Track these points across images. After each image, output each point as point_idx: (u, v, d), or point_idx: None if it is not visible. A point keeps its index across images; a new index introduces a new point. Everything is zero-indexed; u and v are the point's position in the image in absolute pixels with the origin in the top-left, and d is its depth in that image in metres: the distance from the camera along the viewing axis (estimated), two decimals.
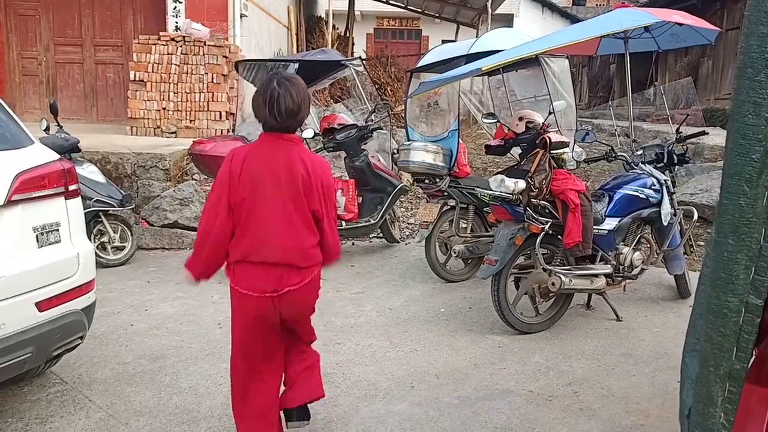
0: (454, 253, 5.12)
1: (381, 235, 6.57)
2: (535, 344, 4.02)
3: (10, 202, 2.74)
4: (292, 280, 2.39)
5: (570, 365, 3.72)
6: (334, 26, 14.69)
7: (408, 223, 7.20)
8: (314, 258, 2.46)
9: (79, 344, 3.19)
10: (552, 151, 4.13)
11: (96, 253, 4.75)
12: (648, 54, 12.35)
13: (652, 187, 4.46)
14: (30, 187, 2.83)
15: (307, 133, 5.56)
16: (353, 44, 15.69)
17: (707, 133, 5.32)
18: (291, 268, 2.38)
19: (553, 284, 4.03)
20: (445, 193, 5.20)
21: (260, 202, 2.37)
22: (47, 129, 5.66)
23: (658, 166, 4.66)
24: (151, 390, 3.36)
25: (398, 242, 6.61)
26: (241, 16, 9.69)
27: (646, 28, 4.74)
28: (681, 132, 4.84)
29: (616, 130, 5.76)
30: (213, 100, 8.71)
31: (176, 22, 9.25)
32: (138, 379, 3.48)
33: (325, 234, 2.48)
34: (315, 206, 2.41)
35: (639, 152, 4.78)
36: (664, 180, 4.52)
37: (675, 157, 4.75)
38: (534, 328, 4.21)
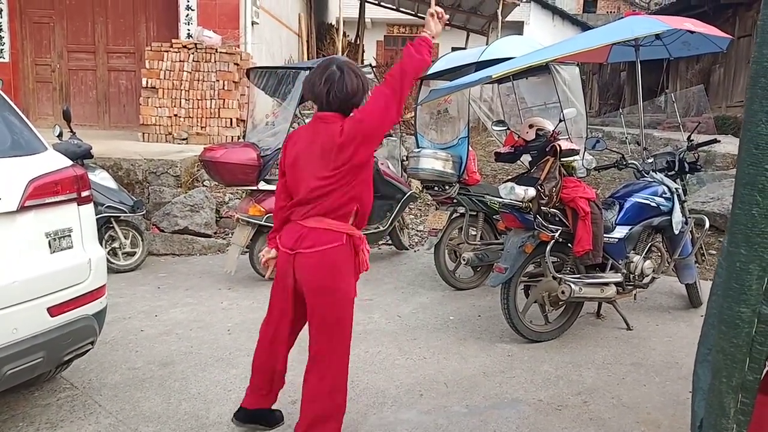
0: (464, 260, 5.11)
1: (390, 242, 6.57)
2: (544, 353, 4.00)
3: (23, 208, 2.76)
4: (305, 242, 2.55)
5: (580, 374, 3.69)
6: (344, 33, 14.75)
7: (417, 231, 7.20)
8: (334, 224, 2.55)
9: (89, 349, 3.21)
10: (562, 159, 4.12)
11: (107, 258, 4.78)
12: (659, 61, 12.30)
13: (663, 195, 4.43)
14: (43, 193, 2.86)
15: None
16: (364, 51, 15.75)
17: (719, 141, 5.29)
18: (307, 231, 2.55)
19: (563, 293, 4.01)
20: (455, 201, 5.19)
21: (299, 172, 2.60)
22: (60, 135, 5.73)
23: (669, 174, 4.64)
24: (160, 395, 3.37)
25: (407, 249, 6.61)
26: (252, 24, 9.77)
27: (658, 36, 4.73)
28: (692, 140, 4.80)
29: (626, 137, 5.74)
30: (224, 107, 8.77)
31: (188, 30, 9.34)
32: (148, 385, 3.49)
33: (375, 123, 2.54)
34: (340, 158, 2.49)
35: (650, 160, 4.75)
36: (676, 188, 4.49)
37: (686, 165, 4.71)
38: (543, 337, 4.18)
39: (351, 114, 2.58)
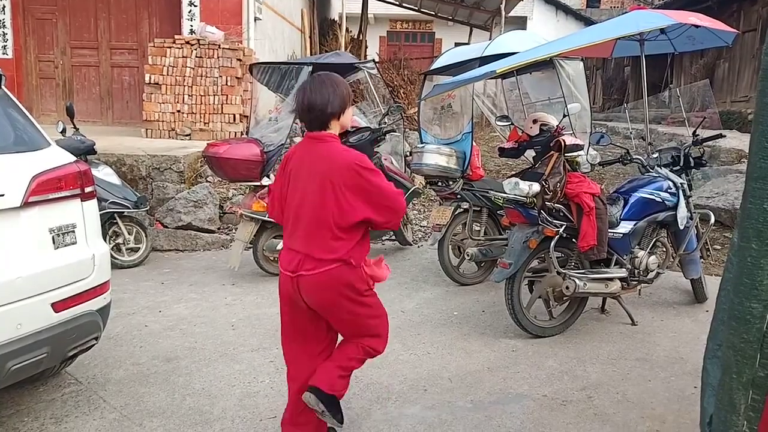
0: (468, 256, 5.09)
1: (394, 237, 6.56)
2: (549, 348, 3.99)
3: (27, 204, 2.76)
4: (306, 265, 2.49)
5: (584, 369, 3.68)
6: (347, 29, 14.71)
7: (421, 226, 7.18)
8: (335, 252, 2.47)
9: (94, 345, 3.21)
10: (566, 154, 4.10)
11: (111, 254, 4.79)
12: (663, 56, 12.22)
13: (668, 191, 4.41)
14: (47, 188, 2.86)
15: None
16: (366, 47, 15.71)
17: (724, 136, 5.26)
18: (308, 257, 2.49)
19: (567, 288, 4.00)
20: (459, 196, 5.17)
21: (291, 197, 2.56)
22: (64, 131, 5.72)
23: (674, 169, 4.61)
24: (164, 391, 3.37)
25: (411, 245, 6.60)
26: (255, 20, 9.74)
27: (662, 30, 4.69)
28: (697, 135, 4.78)
29: (631, 133, 5.71)
30: (227, 103, 8.76)
31: (191, 26, 9.32)
32: (152, 380, 3.50)
33: (380, 207, 2.49)
34: (340, 201, 2.45)
35: (655, 155, 4.73)
36: (681, 183, 4.47)
37: (691, 160, 4.69)
38: (548, 332, 4.18)
39: (332, 127, 2.56)
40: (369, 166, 2.50)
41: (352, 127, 5.96)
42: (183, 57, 8.71)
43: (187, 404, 3.22)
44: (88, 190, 3.11)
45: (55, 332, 2.81)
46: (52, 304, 2.80)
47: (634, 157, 4.74)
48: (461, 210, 5.30)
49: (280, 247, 5.20)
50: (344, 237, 2.48)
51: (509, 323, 4.20)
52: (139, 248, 5.97)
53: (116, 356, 3.81)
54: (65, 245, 2.94)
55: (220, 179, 6.90)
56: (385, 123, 6.01)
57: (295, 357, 2.71)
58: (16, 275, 2.66)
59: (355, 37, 15.53)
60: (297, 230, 2.53)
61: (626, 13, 4.69)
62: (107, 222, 5.64)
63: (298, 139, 5.04)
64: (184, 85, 8.73)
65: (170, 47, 8.74)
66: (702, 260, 4.89)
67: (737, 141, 8.53)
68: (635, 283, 4.37)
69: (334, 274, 2.48)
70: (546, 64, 5.27)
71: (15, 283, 2.64)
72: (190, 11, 9.34)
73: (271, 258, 5.41)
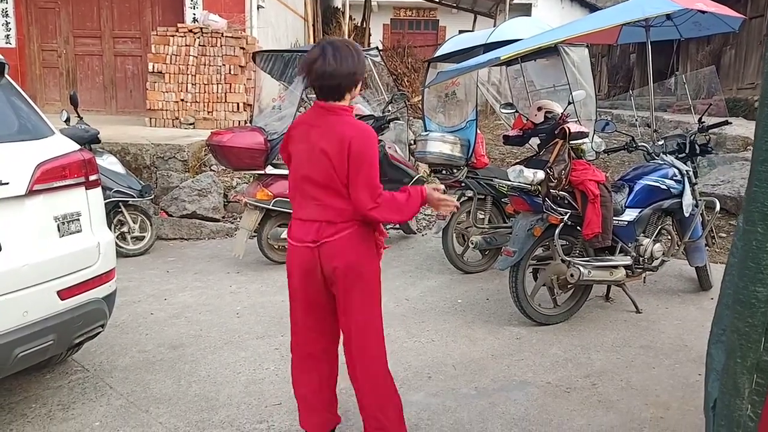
0: (472, 244, 5.09)
1: (398, 226, 6.56)
2: (553, 336, 3.99)
3: (31, 192, 2.77)
4: (327, 232, 2.45)
5: (588, 357, 3.69)
6: (350, 17, 14.64)
7: (425, 215, 7.18)
8: (348, 214, 2.45)
9: (100, 332, 3.23)
10: (571, 142, 4.08)
11: (116, 243, 4.80)
12: (669, 43, 12.15)
13: (674, 178, 4.40)
14: (51, 177, 2.86)
15: None
16: (370, 35, 15.65)
17: (730, 123, 5.22)
18: (327, 223, 2.45)
19: (571, 275, 4.00)
20: (463, 184, 5.17)
21: (299, 166, 2.50)
22: (68, 120, 5.73)
23: (679, 156, 4.59)
24: (170, 378, 3.39)
25: (415, 233, 6.60)
26: (258, 8, 9.71)
27: (668, 16, 4.66)
28: (703, 122, 4.75)
29: (636, 120, 5.68)
30: (230, 92, 8.75)
31: (194, 14, 9.30)
32: (158, 367, 3.52)
33: (353, 200, 2.42)
34: (342, 172, 2.39)
35: (660, 142, 4.70)
36: (686, 170, 4.45)
37: (697, 147, 4.67)
38: (552, 320, 4.18)
39: (347, 98, 2.46)
40: (372, 153, 2.43)
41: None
42: (186, 45, 8.69)
43: (193, 391, 3.25)
44: (92, 178, 3.12)
45: (61, 320, 2.82)
46: (58, 292, 2.81)
47: (639, 144, 4.72)
48: (465, 198, 5.29)
49: (284, 235, 5.20)
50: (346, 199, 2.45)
51: (513, 311, 4.20)
52: (144, 237, 5.99)
53: (122, 343, 3.83)
54: (70, 233, 2.95)
55: (224, 168, 6.90)
56: (389, 111, 5.99)
57: (305, 328, 2.62)
58: (22, 263, 2.67)
59: (359, 24, 15.46)
60: (309, 200, 2.48)
61: None
62: (112, 211, 5.66)
63: None
64: (188, 74, 8.72)
65: (173, 36, 8.72)
66: (707, 248, 4.88)
67: (743, 128, 8.48)
68: (640, 270, 4.36)
69: (354, 236, 2.46)
70: (551, 51, 5.24)
71: (21, 271, 2.66)
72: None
73: (276, 246, 5.42)
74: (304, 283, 2.55)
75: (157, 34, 8.80)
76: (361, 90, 2.68)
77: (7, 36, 9.84)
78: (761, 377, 1.37)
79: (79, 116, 5.84)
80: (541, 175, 3.92)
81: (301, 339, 2.65)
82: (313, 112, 2.51)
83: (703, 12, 4.39)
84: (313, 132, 2.46)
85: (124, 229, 5.87)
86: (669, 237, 4.69)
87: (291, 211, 2.62)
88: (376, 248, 2.59)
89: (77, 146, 3.15)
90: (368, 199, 2.39)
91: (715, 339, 1.57)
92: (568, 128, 4.06)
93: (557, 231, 3.98)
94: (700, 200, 4.61)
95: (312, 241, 2.46)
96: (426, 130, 5.46)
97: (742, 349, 1.37)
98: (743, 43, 11.75)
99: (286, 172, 3.03)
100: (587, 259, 4.15)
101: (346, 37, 13.22)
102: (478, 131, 5.24)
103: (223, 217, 6.94)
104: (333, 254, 2.46)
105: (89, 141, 5.54)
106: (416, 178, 6.02)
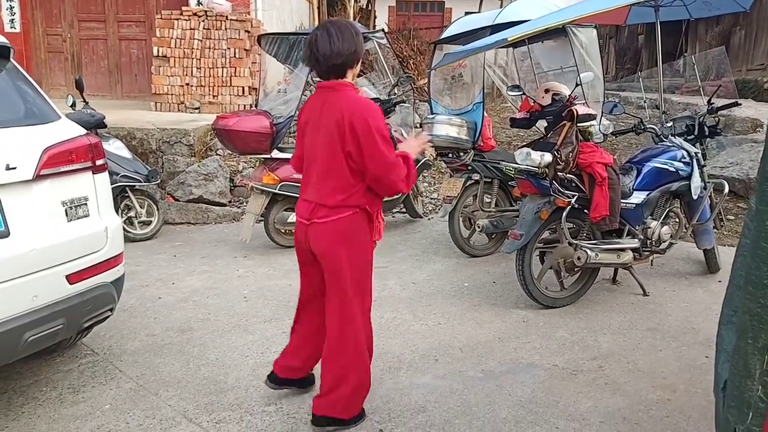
0: (478, 227, 5.08)
1: (404, 210, 6.55)
2: (560, 318, 4.00)
3: (39, 177, 2.77)
4: (318, 213, 2.55)
5: (595, 339, 3.69)
6: None
7: (431, 198, 7.16)
8: (345, 200, 2.51)
9: (108, 316, 3.25)
10: (579, 124, 4.04)
11: (123, 227, 4.82)
12: (677, 24, 11.98)
13: (682, 160, 4.36)
14: (58, 161, 2.86)
15: None
16: (375, 17, 15.51)
17: (739, 104, 5.17)
18: (320, 206, 2.55)
19: (578, 258, 3.99)
20: (470, 168, 5.14)
21: (307, 147, 2.61)
22: (73, 105, 5.73)
23: (688, 138, 4.55)
24: (179, 361, 3.42)
25: (421, 217, 6.59)
26: None
27: None
28: (712, 103, 4.70)
29: (644, 102, 5.63)
30: (236, 75, 8.72)
31: None
32: (167, 351, 3.54)
33: (369, 170, 2.45)
34: (349, 148, 2.44)
35: (669, 124, 4.66)
36: (695, 153, 4.41)
37: (706, 129, 4.62)
38: (559, 303, 4.18)
39: (348, 75, 2.52)
40: (378, 126, 2.44)
41: None
42: (191, 29, 8.65)
43: (202, 374, 3.27)
44: (99, 162, 3.12)
45: (71, 304, 2.84)
46: (67, 276, 2.82)
47: (647, 126, 4.67)
48: (472, 181, 5.27)
49: (291, 219, 5.22)
50: (356, 184, 2.50)
51: (520, 294, 4.21)
52: (151, 221, 6.01)
53: (131, 327, 3.86)
54: (78, 218, 2.96)
55: (230, 152, 6.89)
56: (395, 94, 5.96)
57: (308, 304, 2.82)
58: (31, 247, 2.68)
59: (364, 7, 15.33)
60: (311, 180, 2.59)
61: None
62: (119, 195, 5.67)
63: None
64: (192, 58, 8.69)
65: (177, 19, 8.67)
66: (715, 230, 4.85)
67: (752, 110, 8.39)
68: (647, 253, 4.34)
69: (342, 223, 2.52)
70: (558, 32, 5.18)
71: (29, 255, 2.67)
72: None
73: (283, 230, 5.42)
74: (302, 257, 2.72)
75: (161, 18, 8.75)
76: (364, 72, 2.72)
77: (12, 20, 9.80)
78: None
79: (84, 101, 5.84)
80: (548, 157, 3.89)
81: (305, 296, 2.84)
82: (317, 94, 2.61)
83: None
84: (315, 112, 2.56)
85: (131, 213, 5.89)
86: (677, 219, 4.67)
87: (297, 195, 2.67)
88: (367, 238, 2.63)
89: (83, 131, 3.14)
90: (379, 168, 2.46)
91: (726, 320, 1.56)
92: (576, 110, 4.02)
93: (564, 214, 3.96)
94: (709, 182, 4.58)
95: (306, 219, 2.59)
96: (432, 113, 5.43)
97: (753, 330, 1.36)
98: (753, 23, 11.58)
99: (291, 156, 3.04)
100: (594, 242, 4.13)
101: (352, 19, 13.11)
102: (485, 114, 5.21)
103: (230, 202, 6.94)
104: (316, 236, 2.57)
105: (95, 126, 5.54)
106: (423, 161, 6.00)
